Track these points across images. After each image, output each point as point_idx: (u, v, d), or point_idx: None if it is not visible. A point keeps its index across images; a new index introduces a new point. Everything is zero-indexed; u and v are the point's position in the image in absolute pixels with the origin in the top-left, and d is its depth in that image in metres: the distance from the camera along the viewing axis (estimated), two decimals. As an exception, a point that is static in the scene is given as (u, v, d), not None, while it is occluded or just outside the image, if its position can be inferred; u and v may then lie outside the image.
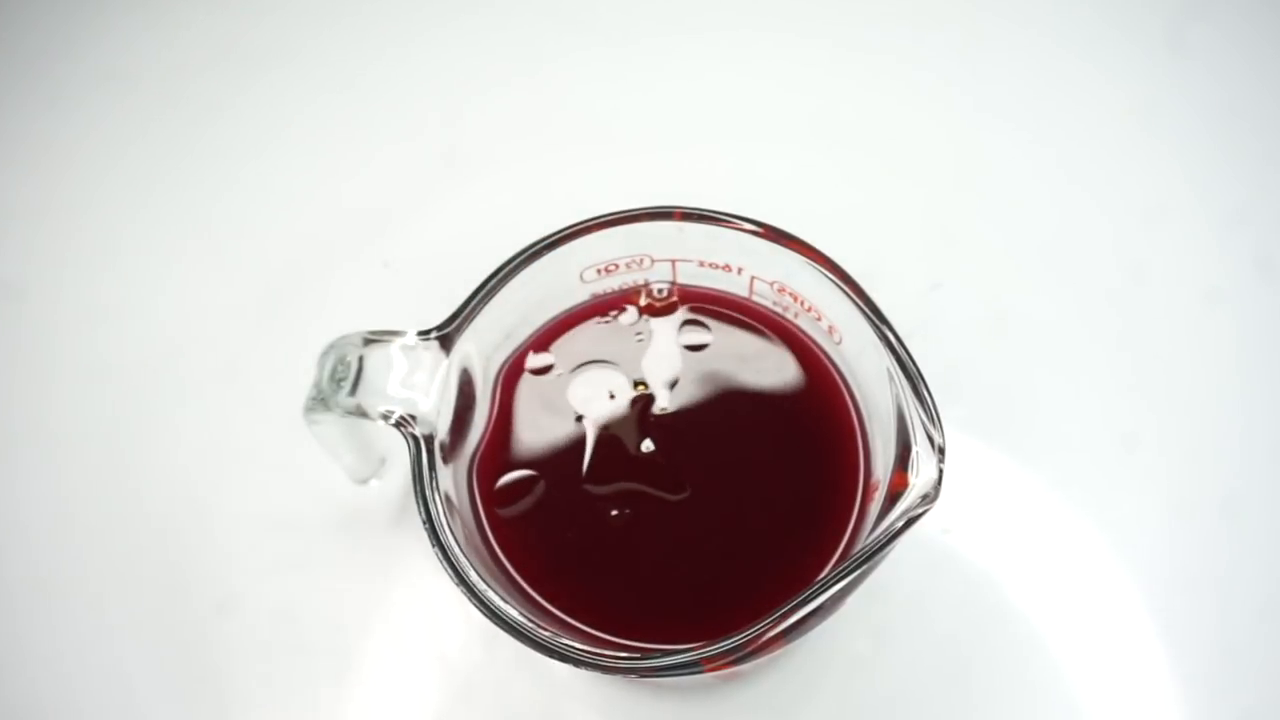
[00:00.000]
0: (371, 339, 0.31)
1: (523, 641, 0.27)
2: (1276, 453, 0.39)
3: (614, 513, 0.32)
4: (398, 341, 0.31)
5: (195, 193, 0.48)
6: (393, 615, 0.38)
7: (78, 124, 0.50)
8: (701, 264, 0.34)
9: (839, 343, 0.33)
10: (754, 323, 0.35)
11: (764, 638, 0.26)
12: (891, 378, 0.29)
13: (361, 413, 0.31)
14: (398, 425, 0.30)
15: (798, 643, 0.28)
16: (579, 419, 0.34)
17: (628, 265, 0.34)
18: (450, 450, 0.31)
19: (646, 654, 0.27)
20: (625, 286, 0.35)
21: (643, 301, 0.35)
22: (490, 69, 0.50)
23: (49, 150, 0.49)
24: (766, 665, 0.36)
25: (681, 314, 0.35)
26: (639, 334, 0.35)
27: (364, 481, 0.37)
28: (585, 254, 0.33)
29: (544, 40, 0.51)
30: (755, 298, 0.35)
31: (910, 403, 0.28)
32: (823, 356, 0.34)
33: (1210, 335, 0.42)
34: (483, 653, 0.37)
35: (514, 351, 0.35)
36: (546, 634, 0.27)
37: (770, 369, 0.34)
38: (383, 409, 0.31)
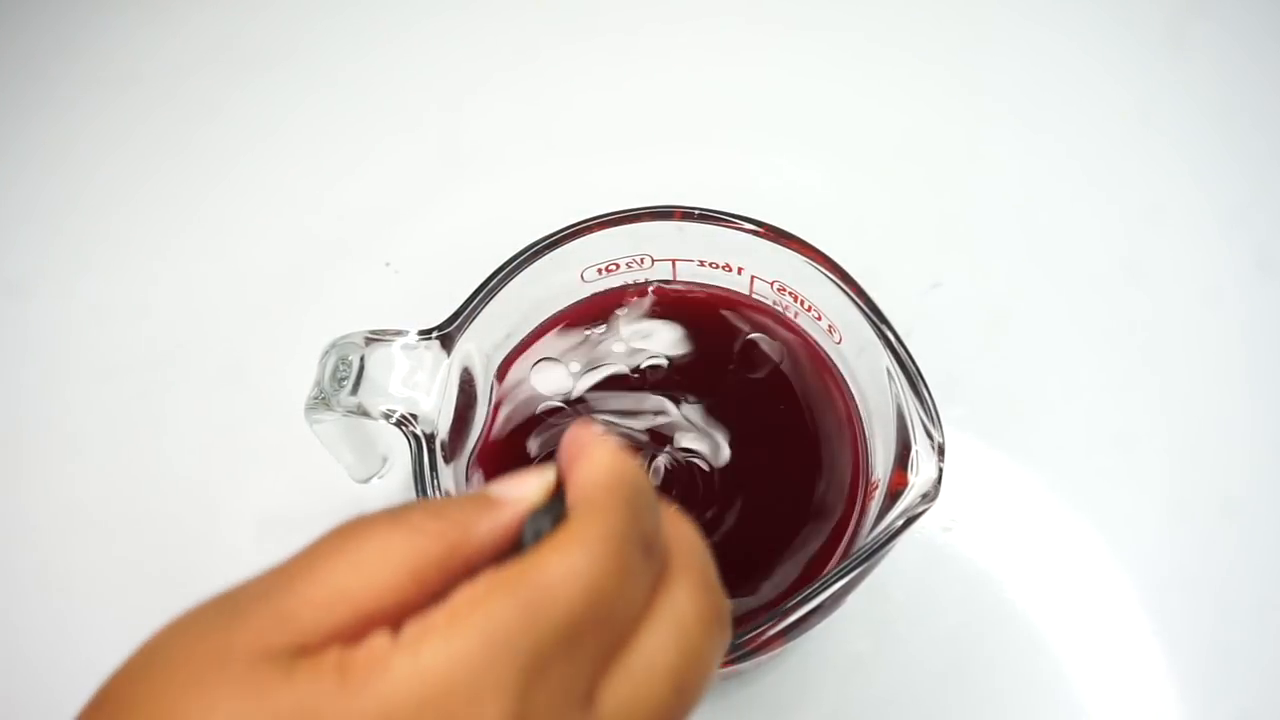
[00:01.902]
0: (373, 338, 0.31)
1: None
2: (1275, 453, 0.39)
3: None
4: (399, 341, 0.31)
5: (198, 192, 0.48)
6: (394, 614, 0.38)
7: (78, 124, 0.50)
8: (701, 263, 0.34)
9: (839, 342, 0.33)
10: (751, 322, 0.35)
11: (764, 636, 0.27)
12: (891, 377, 0.29)
13: (363, 412, 0.31)
14: (399, 424, 0.31)
15: (798, 642, 0.28)
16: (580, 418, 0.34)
17: (628, 265, 0.34)
18: (451, 449, 0.31)
19: (647, 652, 0.27)
20: (625, 285, 0.35)
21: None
22: (491, 70, 0.50)
23: (51, 151, 0.50)
24: (767, 664, 0.36)
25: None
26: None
27: (366, 480, 0.38)
28: (586, 254, 0.33)
29: (545, 41, 0.51)
30: (755, 297, 0.35)
31: (910, 402, 0.28)
32: (823, 356, 0.34)
33: (1210, 335, 0.42)
34: (484, 651, 0.37)
35: (517, 351, 0.35)
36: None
37: (768, 370, 0.34)
38: (384, 408, 0.31)
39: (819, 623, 0.27)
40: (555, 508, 0.19)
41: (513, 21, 0.51)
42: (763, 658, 0.28)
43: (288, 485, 0.40)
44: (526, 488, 0.20)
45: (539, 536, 0.18)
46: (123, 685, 0.18)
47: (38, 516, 0.41)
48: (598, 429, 0.20)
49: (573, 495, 0.19)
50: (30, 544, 0.40)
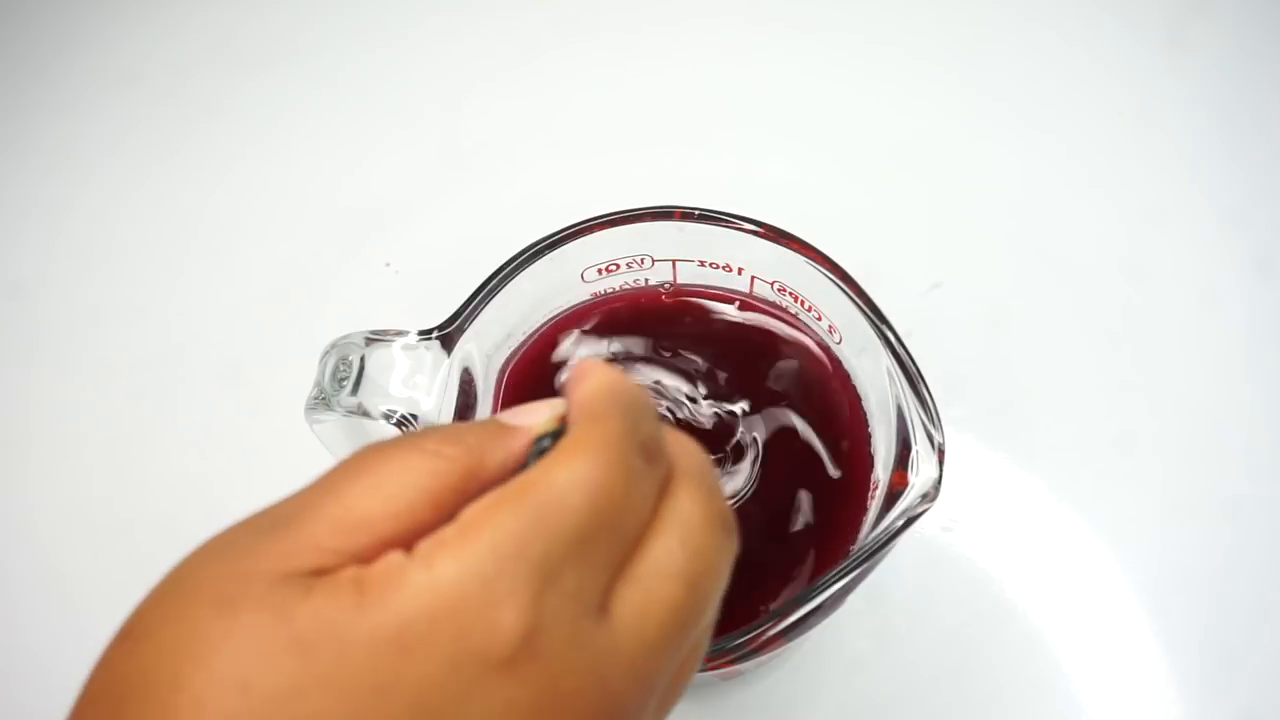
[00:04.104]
0: (373, 339, 0.31)
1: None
2: (1274, 454, 0.39)
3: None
4: (399, 341, 0.31)
5: (199, 192, 0.48)
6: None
7: (78, 124, 0.50)
8: (701, 263, 0.34)
9: (839, 342, 0.33)
10: (752, 322, 0.35)
11: (764, 636, 0.27)
12: (891, 377, 0.29)
13: (363, 412, 0.31)
14: (399, 424, 0.31)
15: (798, 641, 0.28)
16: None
17: (628, 265, 0.34)
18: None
19: (647, 652, 0.27)
20: (626, 285, 0.35)
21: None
22: (491, 69, 0.50)
23: (51, 151, 0.50)
24: (767, 664, 0.36)
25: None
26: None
27: (366, 480, 0.37)
28: (586, 254, 0.33)
29: (545, 41, 0.51)
30: (755, 297, 0.35)
31: (910, 402, 0.28)
32: (823, 356, 0.34)
33: (1209, 335, 0.42)
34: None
35: (517, 351, 0.35)
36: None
37: (771, 371, 0.34)
38: (384, 408, 0.31)
39: (819, 623, 0.27)
40: (560, 432, 0.19)
41: (513, 21, 0.51)
42: (763, 658, 0.28)
43: (288, 484, 0.39)
44: (536, 415, 0.20)
45: (542, 456, 0.19)
46: (147, 612, 0.18)
47: (39, 516, 0.41)
48: (596, 360, 0.20)
49: (572, 414, 0.19)
50: (32, 543, 0.40)
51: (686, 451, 0.20)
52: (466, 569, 0.16)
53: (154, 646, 0.17)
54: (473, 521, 0.17)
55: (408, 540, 0.17)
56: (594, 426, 0.18)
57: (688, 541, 0.19)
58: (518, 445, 0.19)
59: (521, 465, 0.19)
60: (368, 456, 0.19)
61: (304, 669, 0.16)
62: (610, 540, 0.18)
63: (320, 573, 0.17)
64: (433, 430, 0.19)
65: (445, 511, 0.18)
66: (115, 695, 0.17)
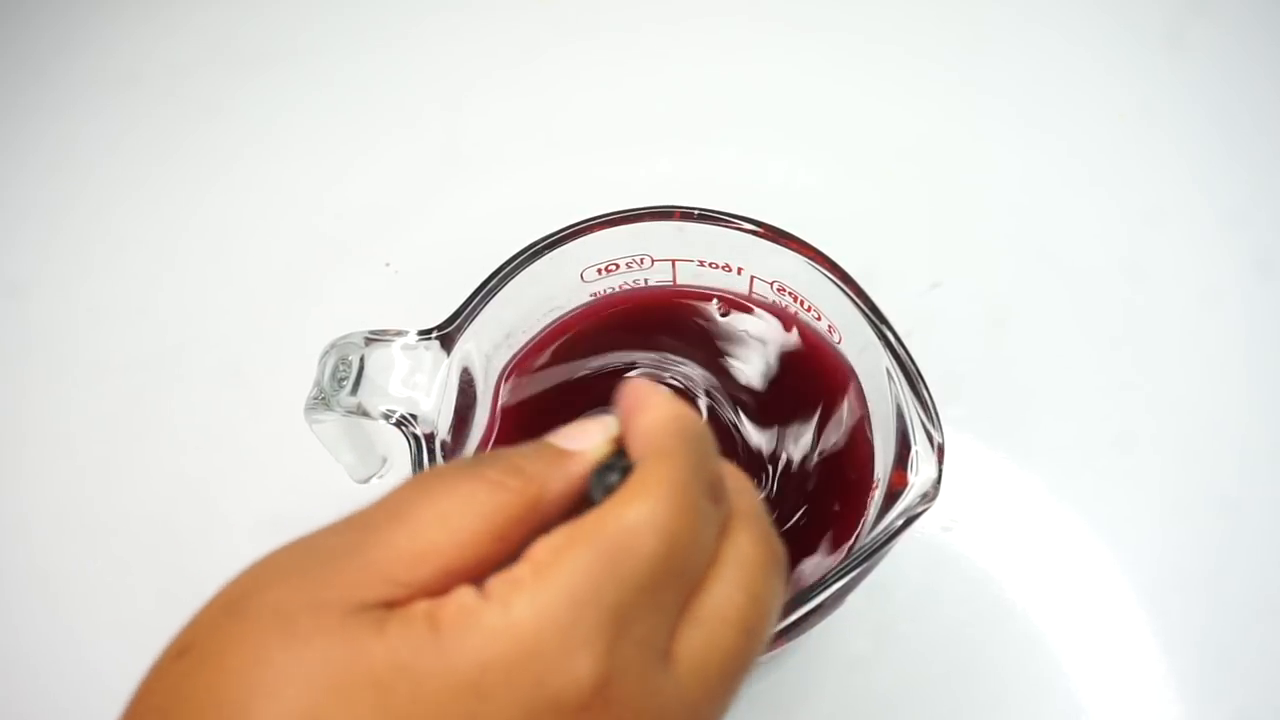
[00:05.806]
0: (373, 339, 0.31)
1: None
2: (1273, 454, 0.39)
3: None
4: (399, 341, 0.31)
5: (197, 192, 0.48)
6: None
7: (78, 124, 0.50)
8: (701, 263, 0.34)
9: (839, 342, 0.33)
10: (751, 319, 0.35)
11: (764, 636, 0.26)
12: (891, 377, 0.29)
13: (363, 412, 0.31)
14: (399, 424, 0.31)
15: (797, 641, 0.28)
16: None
17: (628, 265, 0.34)
18: (451, 449, 0.31)
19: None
20: (626, 285, 0.35)
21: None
22: (491, 68, 0.50)
23: (52, 151, 0.50)
24: (766, 664, 0.36)
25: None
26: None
27: (365, 480, 0.38)
28: (585, 253, 0.33)
29: (545, 40, 0.51)
30: (755, 297, 0.35)
31: (909, 402, 0.28)
32: (821, 356, 0.34)
33: (1209, 335, 0.42)
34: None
35: (517, 350, 0.35)
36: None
37: (765, 370, 0.34)
38: (384, 408, 0.31)
39: (819, 622, 0.27)
40: (621, 461, 0.19)
41: (512, 20, 0.51)
42: (763, 657, 0.28)
43: (287, 485, 0.40)
44: (591, 439, 0.20)
45: (608, 490, 0.19)
46: (206, 631, 0.18)
47: (37, 516, 0.41)
48: (652, 384, 0.20)
49: (637, 446, 0.19)
50: (29, 543, 0.40)
51: (742, 490, 0.20)
52: (543, 614, 0.16)
53: (219, 670, 0.17)
54: (547, 562, 0.17)
55: (473, 572, 0.17)
56: (663, 465, 0.18)
57: (748, 587, 0.19)
58: (576, 472, 0.19)
59: (584, 497, 0.19)
60: (431, 484, 0.19)
61: (378, 708, 0.16)
62: (678, 585, 0.18)
63: (391, 604, 0.17)
64: (493, 458, 0.19)
65: (508, 542, 0.18)
66: (175, 717, 0.17)
